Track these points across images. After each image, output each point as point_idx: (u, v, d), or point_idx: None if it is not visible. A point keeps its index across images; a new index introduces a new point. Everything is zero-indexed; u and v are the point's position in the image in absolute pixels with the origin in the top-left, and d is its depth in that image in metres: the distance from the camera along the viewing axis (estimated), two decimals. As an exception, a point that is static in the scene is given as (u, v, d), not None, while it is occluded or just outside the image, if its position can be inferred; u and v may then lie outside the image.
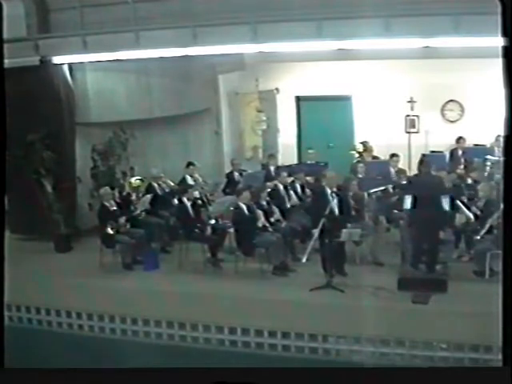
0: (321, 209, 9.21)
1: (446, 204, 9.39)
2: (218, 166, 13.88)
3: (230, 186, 11.92)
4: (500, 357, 4.55)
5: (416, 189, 9.44)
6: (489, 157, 11.51)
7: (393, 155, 11.83)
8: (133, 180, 11.56)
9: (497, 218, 8.84)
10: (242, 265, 9.93)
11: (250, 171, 12.36)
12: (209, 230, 10.35)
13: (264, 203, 10.27)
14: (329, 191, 9.53)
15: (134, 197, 11.19)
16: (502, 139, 10.37)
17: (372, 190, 10.60)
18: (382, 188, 10.75)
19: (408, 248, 9.50)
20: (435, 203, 9.17)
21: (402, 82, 13.36)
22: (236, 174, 12.15)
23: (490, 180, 10.60)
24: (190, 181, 11.67)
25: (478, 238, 9.08)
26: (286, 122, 15.12)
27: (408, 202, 9.29)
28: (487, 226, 9.04)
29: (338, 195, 9.56)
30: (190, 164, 11.91)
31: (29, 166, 11.26)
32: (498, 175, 10.14)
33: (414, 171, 11.79)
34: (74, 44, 10.79)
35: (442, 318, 8.06)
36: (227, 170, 12.87)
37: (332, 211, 9.23)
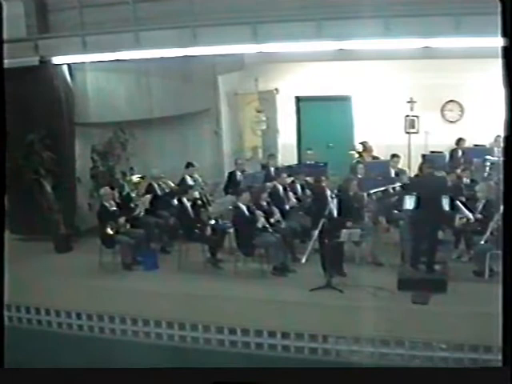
0: (321, 209, 9.22)
1: (445, 204, 9.40)
2: (217, 166, 13.90)
3: (232, 185, 11.94)
4: (500, 357, 4.55)
5: (419, 189, 9.44)
6: (488, 157, 11.52)
7: (393, 155, 11.84)
8: (134, 177, 11.57)
9: (497, 219, 8.82)
10: (241, 265, 9.95)
11: (250, 171, 12.37)
12: (208, 231, 10.35)
13: (264, 204, 10.27)
14: (329, 192, 9.54)
15: (134, 194, 11.18)
16: (501, 139, 10.42)
17: (372, 191, 10.59)
18: (383, 188, 10.74)
19: (408, 248, 9.51)
20: (437, 204, 9.19)
21: (402, 82, 13.37)
22: (238, 174, 12.15)
23: (489, 180, 10.60)
24: (189, 181, 11.68)
25: (482, 242, 9.03)
26: (285, 123, 15.12)
27: (408, 202, 9.30)
28: (490, 229, 9.00)
29: (337, 196, 9.55)
30: (189, 165, 11.91)
31: (28, 166, 11.25)
32: (498, 175, 10.13)
33: (414, 171, 11.80)
34: (73, 44, 10.79)
35: (441, 318, 8.07)
36: (227, 171, 12.87)
37: (332, 212, 9.24)
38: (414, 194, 9.29)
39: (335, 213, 9.36)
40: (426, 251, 9.28)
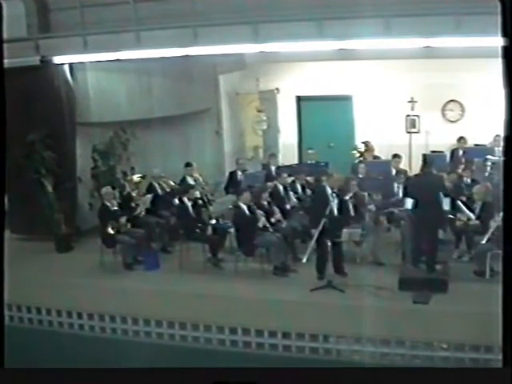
0: (321, 209, 9.22)
1: (446, 204, 9.40)
2: (218, 165, 13.90)
3: (233, 185, 11.94)
4: (500, 357, 4.55)
5: (416, 188, 9.45)
6: (489, 157, 11.52)
7: (395, 155, 11.84)
8: (134, 177, 11.59)
9: (498, 221, 8.81)
10: (242, 265, 9.95)
11: (250, 171, 12.38)
12: (209, 230, 10.36)
13: (265, 203, 10.27)
14: (329, 191, 9.54)
15: (134, 194, 11.19)
16: (500, 139, 10.41)
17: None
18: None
19: (409, 247, 9.50)
20: (435, 202, 9.18)
21: (403, 82, 13.37)
22: (239, 174, 12.15)
23: (490, 180, 10.60)
24: (190, 181, 11.68)
25: (484, 242, 9.02)
26: (286, 122, 15.12)
27: (409, 202, 9.29)
28: (491, 230, 8.99)
29: (338, 195, 9.56)
30: (187, 165, 11.89)
31: (29, 165, 11.27)
32: (499, 175, 10.12)
33: (414, 171, 11.79)
34: (74, 44, 10.79)
35: (442, 318, 8.07)
36: (228, 170, 12.88)
37: (332, 211, 9.25)
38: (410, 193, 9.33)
39: (335, 213, 9.39)
40: (425, 250, 9.28)
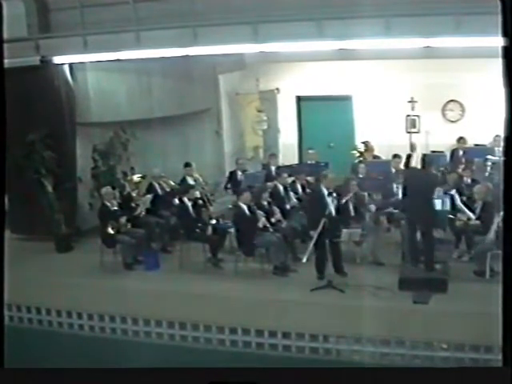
0: (316, 209, 9.22)
1: (443, 203, 9.43)
2: (218, 165, 13.90)
3: (233, 184, 11.94)
4: (500, 357, 4.54)
5: (412, 181, 9.48)
6: (489, 157, 11.52)
7: (395, 156, 11.84)
8: (134, 177, 11.60)
9: (498, 222, 8.81)
10: (242, 265, 9.95)
11: (250, 171, 12.38)
12: (209, 230, 10.35)
13: (265, 203, 10.27)
14: (325, 192, 9.52)
15: (134, 194, 11.19)
16: (500, 139, 10.41)
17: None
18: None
19: (408, 247, 9.51)
20: (427, 199, 9.18)
21: (403, 82, 13.38)
22: (239, 174, 12.15)
23: (491, 180, 10.60)
24: (190, 181, 11.68)
25: (487, 241, 9.02)
26: (286, 122, 15.13)
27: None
28: (492, 231, 8.99)
29: (336, 195, 9.55)
30: (187, 165, 11.89)
31: (29, 165, 11.27)
32: (499, 175, 10.12)
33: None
34: (74, 44, 10.80)
35: (442, 318, 8.07)
36: (228, 170, 12.88)
37: (330, 212, 9.25)
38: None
39: (334, 212, 9.39)
40: (423, 250, 9.28)
